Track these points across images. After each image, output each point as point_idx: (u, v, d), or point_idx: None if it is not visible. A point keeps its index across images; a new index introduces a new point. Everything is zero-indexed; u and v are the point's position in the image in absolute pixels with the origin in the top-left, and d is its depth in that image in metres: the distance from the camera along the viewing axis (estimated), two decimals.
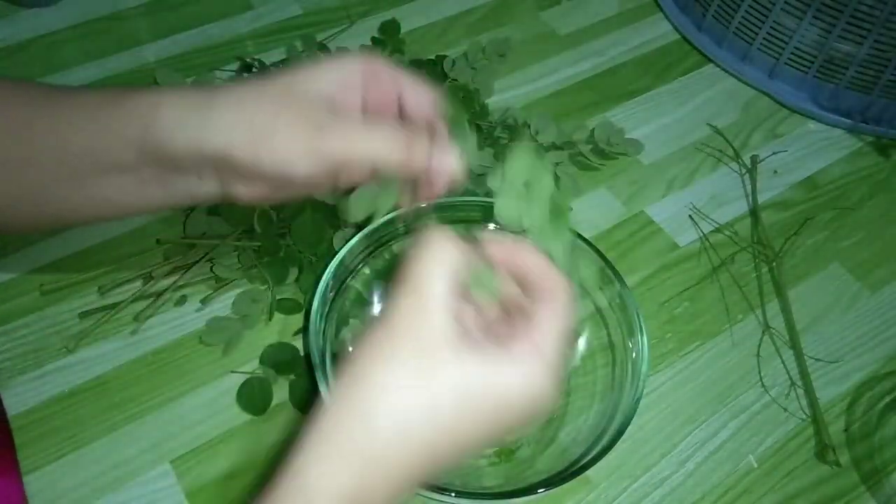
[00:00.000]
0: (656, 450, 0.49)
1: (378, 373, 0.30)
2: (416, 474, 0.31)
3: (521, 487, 0.41)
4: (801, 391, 0.53)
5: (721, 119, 0.68)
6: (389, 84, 0.39)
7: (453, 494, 0.40)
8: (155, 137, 0.35)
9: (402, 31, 0.70)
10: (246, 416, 0.48)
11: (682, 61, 0.73)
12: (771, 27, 0.69)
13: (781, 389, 0.53)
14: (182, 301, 0.52)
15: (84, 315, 0.51)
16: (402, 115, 0.40)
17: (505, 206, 0.37)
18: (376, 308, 0.50)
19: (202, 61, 0.68)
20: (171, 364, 0.50)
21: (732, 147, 0.66)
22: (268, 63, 0.66)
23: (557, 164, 0.60)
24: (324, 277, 0.45)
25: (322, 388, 0.41)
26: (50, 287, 0.52)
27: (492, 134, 0.61)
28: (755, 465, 0.49)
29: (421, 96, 0.39)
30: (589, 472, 0.41)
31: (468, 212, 0.51)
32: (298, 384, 0.49)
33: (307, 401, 0.48)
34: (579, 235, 0.49)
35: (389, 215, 0.48)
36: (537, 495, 0.40)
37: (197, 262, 0.53)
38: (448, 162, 0.37)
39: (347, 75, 0.37)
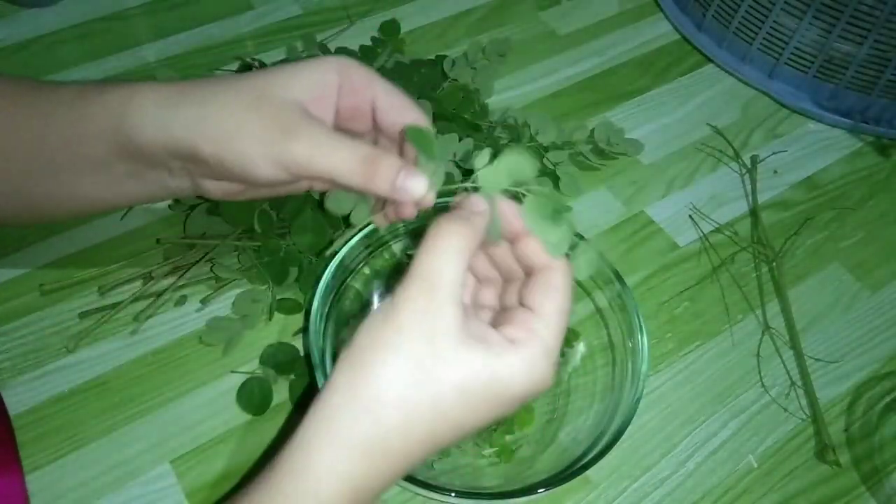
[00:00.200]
0: (656, 450, 0.49)
1: (385, 363, 0.31)
2: (416, 459, 0.32)
3: (521, 487, 0.41)
4: (801, 391, 0.53)
5: (721, 119, 0.68)
6: (364, 91, 0.38)
7: (453, 494, 0.40)
8: (126, 131, 0.35)
9: (402, 31, 0.70)
10: (246, 416, 0.48)
11: (682, 61, 0.73)
12: (771, 27, 0.69)
13: (781, 389, 0.53)
14: (182, 301, 0.52)
15: (84, 315, 0.51)
16: (376, 124, 0.40)
17: (485, 176, 0.35)
18: (376, 308, 0.50)
19: (202, 61, 0.68)
20: (171, 364, 0.50)
21: (732, 147, 0.66)
22: (268, 63, 0.66)
23: (557, 164, 0.60)
24: (324, 277, 0.45)
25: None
26: (50, 287, 0.52)
27: (492, 134, 0.61)
28: (755, 465, 0.49)
29: (395, 106, 0.39)
30: (589, 472, 0.41)
31: None
32: (298, 384, 0.49)
33: (307, 401, 0.48)
34: (581, 236, 0.49)
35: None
36: (537, 495, 0.40)
37: (197, 262, 0.53)
38: (413, 185, 0.35)
39: (322, 81, 0.37)
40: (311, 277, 0.52)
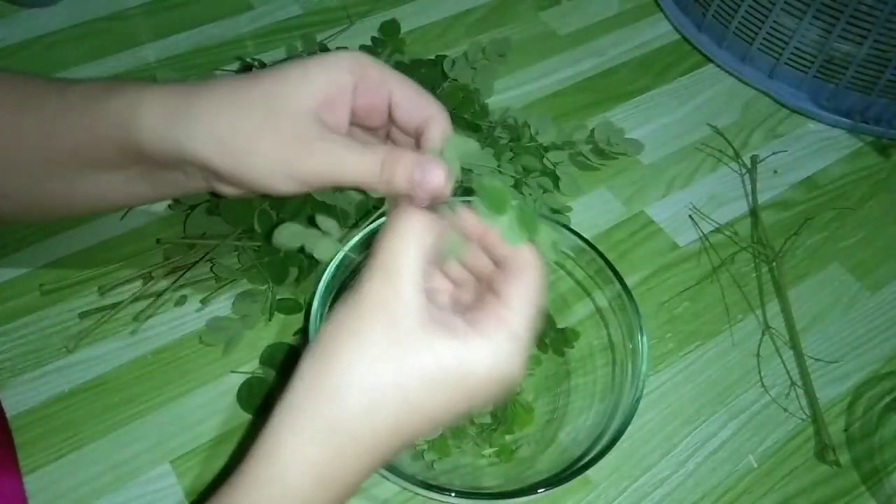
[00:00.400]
0: (656, 450, 0.49)
1: (347, 349, 0.31)
2: (384, 449, 0.32)
3: (521, 487, 0.41)
4: (801, 391, 0.53)
5: (721, 119, 0.68)
6: (379, 87, 0.38)
7: (453, 494, 0.40)
8: (135, 139, 0.35)
9: (402, 31, 0.70)
10: (246, 416, 0.48)
11: (682, 61, 0.73)
12: (771, 27, 0.69)
13: (781, 389, 0.53)
14: (182, 301, 0.52)
15: (84, 315, 0.51)
16: (391, 119, 0.39)
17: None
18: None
19: (202, 61, 0.68)
20: (171, 364, 0.50)
21: (732, 147, 0.66)
22: (268, 63, 0.66)
23: (557, 164, 0.60)
24: (324, 277, 0.45)
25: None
26: (50, 287, 0.52)
27: (492, 134, 0.61)
28: (755, 465, 0.49)
29: (411, 100, 0.38)
30: (589, 472, 0.41)
31: None
32: None
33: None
34: (581, 236, 0.49)
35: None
36: (537, 495, 0.40)
37: (197, 262, 0.53)
38: (432, 179, 0.35)
39: (335, 82, 0.37)
40: (311, 277, 0.52)
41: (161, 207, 0.56)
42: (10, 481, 0.45)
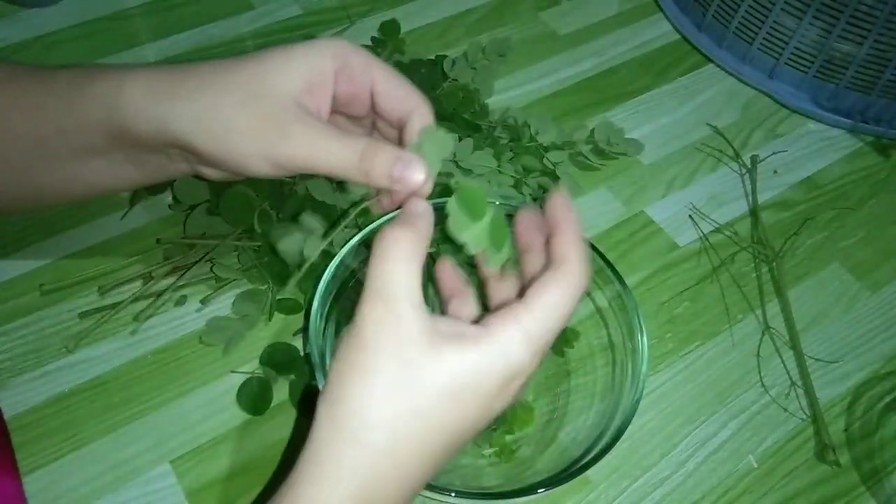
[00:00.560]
0: (656, 450, 0.49)
1: (360, 388, 0.30)
2: (417, 477, 0.31)
3: (521, 487, 0.41)
4: (801, 391, 0.53)
5: (721, 119, 0.68)
6: (361, 76, 0.38)
7: (453, 494, 0.39)
8: (119, 122, 0.35)
9: (402, 31, 0.70)
10: (246, 416, 0.48)
11: (682, 61, 0.73)
12: (771, 27, 0.69)
13: (781, 389, 0.53)
14: (182, 301, 0.52)
15: (84, 315, 0.51)
16: (374, 109, 0.39)
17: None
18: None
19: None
20: (171, 364, 0.50)
21: (732, 147, 0.66)
22: None
23: (557, 164, 0.60)
24: (324, 277, 0.45)
25: (322, 387, 0.41)
26: (50, 287, 0.52)
27: (492, 134, 0.61)
28: (755, 465, 0.49)
29: (395, 92, 0.38)
30: (589, 472, 0.41)
31: None
32: (298, 384, 0.49)
33: (307, 401, 0.48)
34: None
35: (391, 215, 0.48)
36: (537, 495, 0.40)
37: (197, 262, 0.53)
38: (411, 176, 0.35)
39: (317, 69, 0.36)
40: (311, 277, 0.52)
41: (161, 207, 0.56)
42: (8, 482, 0.45)
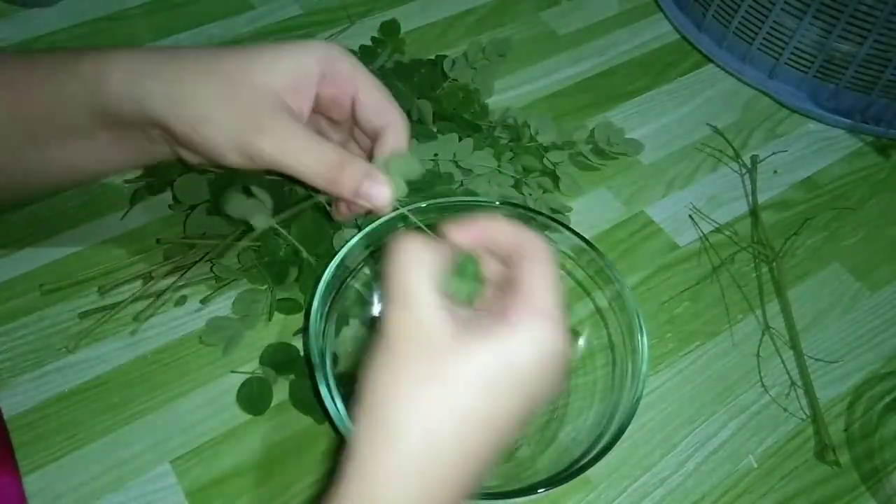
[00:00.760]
0: (656, 450, 0.49)
1: (391, 392, 0.30)
2: (463, 473, 0.30)
3: (521, 487, 0.41)
4: (801, 391, 0.53)
5: (721, 119, 0.68)
6: (346, 83, 0.38)
7: None
8: (101, 102, 0.35)
9: (402, 31, 0.70)
10: (246, 416, 0.48)
11: (682, 61, 0.73)
12: (771, 27, 0.69)
13: (781, 389, 0.53)
14: (182, 301, 0.52)
15: (84, 315, 0.51)
16: (353, 117, 0.39)
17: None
18: (376, 308, 0.50)
19: None
20: (171, 364, 0.50)
21: (732, 147, 0.66)
22: None
23: (557, 164, 0.60)
24: (324, 277, 0.45)
25: (322, 388, 0.41)
26: (50, 287, 0.52)
27: (492, 134, 0.61)
28: (755, 465, 0.49)
29: (374, 102, 0.38)
30: (589, 472, 0.41)
31: (468, 212, 0.50)
32: (298, 384, 0.49)
33: (307, 401, 0.48)
34: (581, 236, 0.49)
35: (390, 215, 0.48)
36: (537, 495, 0.40)
37: (197, 262, 0.52)
38: (377, 195, 0.36)
39: (304, 68, 0.37)
40: (311, 277, 0.52)
41: (161, 207, 0.56)
42: (8, 482, 0.45)
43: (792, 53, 0.69)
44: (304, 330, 0.52)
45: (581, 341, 0.50)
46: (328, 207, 0.43)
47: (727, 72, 0.72)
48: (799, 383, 0.53)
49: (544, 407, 0.32)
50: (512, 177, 0.57)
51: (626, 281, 0.47)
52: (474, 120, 0.62)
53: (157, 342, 0.51)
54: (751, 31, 0.70)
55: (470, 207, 0.50)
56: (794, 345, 0.54)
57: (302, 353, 0.50)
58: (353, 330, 0.48)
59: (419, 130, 0.58)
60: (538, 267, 0.33)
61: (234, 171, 0.52)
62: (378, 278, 0.50)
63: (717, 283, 0.58)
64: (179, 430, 0.47)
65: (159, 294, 0.52)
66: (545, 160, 0.60)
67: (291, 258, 0.52)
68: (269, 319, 0.52)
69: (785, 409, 0.52)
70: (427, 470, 0.29)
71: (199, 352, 0.50)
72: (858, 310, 0.57)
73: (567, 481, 0.40)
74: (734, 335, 0.55)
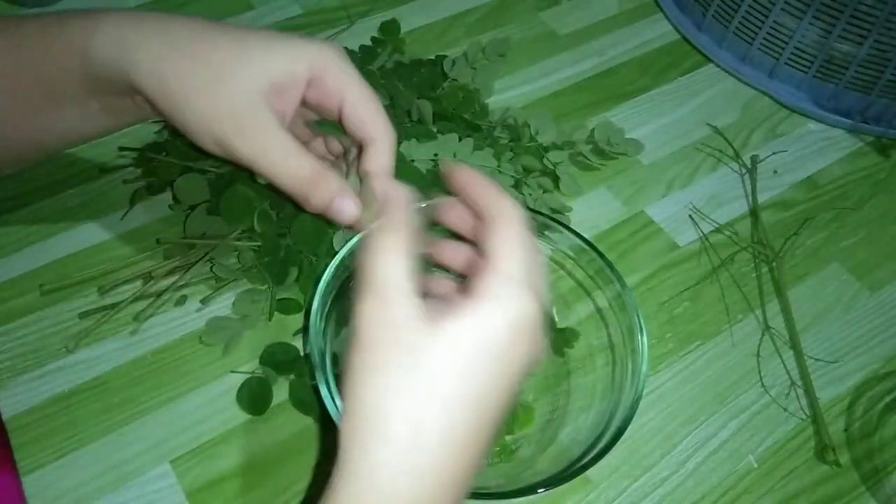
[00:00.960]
0: (656, 450, 0.49)
1: (370, 387, 0.29)
2: (458, 460, 0.29)
3: (521, 487, 0.41)
4: (801, 391, 0.53)
5: (721, 119, 0.68)
6: (334, 90, 0.38)
7: None
8: (90, 68, 0.35)
9: (402, 31, 0.70)
10: (246, 416, 0.48)
11: (682, 61, 0.73)
12: (771, 27, 0.69)
13: (781, 389, 0.53)
14: (182, 301, 0.52)
15: (84, 315, 0.51)
16: (340, 120, 0.39)
17: None
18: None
19: None
20: (171, 364, 0.50)
21: (732, 147, 0.66)
22: None
23: (557, 164, 0.60)
24: (324, 277, 0.45)
25: (322, 388, 0.41)
26: (50, 287, 0.52)
27: (492, 134, 0.61)
28: (755, 465, 0.49)
29: (361, 115, 0.38)
30: (589, 472, 0.41)
31: None
32: (298, 384, 0.49)
33: (307, 401, 0.48)
34: (581, 236, 0.49)
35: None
36: (537, 495, 0.40)
37: (197, 262, 0.53)
38: (346, 210, 0.37)
39: (292, 71, 0.36)
40: (311, 277, 0.52)
41: (161, 207, 0.56)
42: (8, 482, 0.45)
43: (792, 53, 0.69)
44: (304, 330, 0.52)
45: (581, 340, 0.50)
46: None
47: (727, 72, 0.72)
48: (799, 383, 0.53)
49: (527, 376, 0.31)
50: (512, 177, 0.57)
51: (626, 281, 0.47)
52: (474, 120, 0.62)
53: (157, 342, 0.51)
54: (751, 31, 0.70)
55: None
56: (794, 345, 0.54)
57: (302, 353, 0.50)
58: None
59: (419, 130, 0.58)
60: (504, 231, 0.32)
61: (235, 171, 0.52)
62: None
63: (717, 283, 0.58)
64: (179, 430, 0.47)
65: (159, 294, 0.52)
66: (545, 160, 0.60)
67: (291, 258, 0.52)
68: (269, 319, 0.52)
69: (785, 409, 0.52)
70: (419, 463, 0.29)
71: (199, 352, 0.50)
72: (858, 310, 0.57)
73: (567, 481, 0.40)
74: (734, 335, 0.55)
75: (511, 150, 0.60)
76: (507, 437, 0.48)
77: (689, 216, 0.61)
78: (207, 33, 0.36)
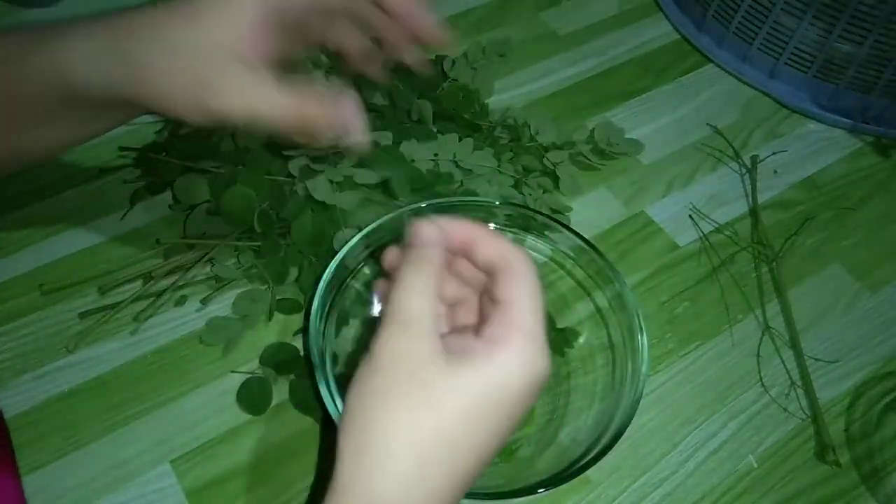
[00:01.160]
0: (656, 450, 0.49)
1: (380, 415, 0.30)
2: (450, 498, 0.31)
3: (521, 487, 0.41)
4: (801, 391, 0.53)
5: (721, 119, 0.68)
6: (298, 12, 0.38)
7: None
8: (67, 85, 0.36)
9: None
10: (246, 416, 0.48)
11: (682, 61, 0.73)
12: (771, 27, 0.69)
13: (781, 389, 0.53)
14: (182, 301, 0.52)
15: (84, 315, 0.51)
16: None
17: None
18: (376, 308, 0.50)
19: None
20: (171, 364, 0.50)
21: (732, 147, 0.66)
22: None
23: (557, 164, 0.60)
24: (324, 277, 0.45)
25: (322, 388, 0.41)
26: (50, 287, 0.52)
27: (492, 134, 0.61)
28: (755, 465, 0.49)
29: None
30: (589, 472, 0.41)
31: (468, 212, 0.51)
32: (298, 384, 0.49)
33: (307, 401, 0.48)
34: (581, 236, 0.49)
35: (389, 216, 0.48)
36: (537, 495, 0.40)
37: (197, 262, 0.53)
38: (349, 117, 0.37)
39: (248, 14, 0.36)
40: (311, 277, 0.52)
41: (161, 207, 0.56)
42: (8, 482, 0.45)
43: (792, 53, 0.69)
44: (304, 330, 0.52)
45: (581, 340, 0.50)
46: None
47: (727, 72, 0.72)
48: (799, 383, 0.53)
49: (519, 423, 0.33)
50: (512, 177, 0.57)
51: (626, 281, 0.47)
52: (474, 120, 0.62)
53: (157, 342, 0.51)
54: (751, 31, 0.70)
55: (470, 207, 0.50)
56: (794, 345, 0.54)
57: (302, 353, 0.50)
58: (353, 330, 0.48)
59: (419, 130, 0.58)
60: (524, 285, 0.33)
61: (235, 171, 0.52)
62: (378, 277, 0.50)
63: (717, 283, 0.58)
64: (179, 430, 0.47)
65: (159, 294, 0.52)
66: (545, 160, 0.60)
67: (291, 258, 0.52)
68: (269, 319, 0.52)
69: (785, 409, 0.52)
70: (415, 495, 0.29)
71: (199, 352, 0.50)
72: (858, 310, 0.57)
73: (567, 481, 0.40)
74: (734, 335, 0.55)
75: (511, 150, 0.60)
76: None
77: (689, 216, 0.61)
78: (161, 16, 0.36)
